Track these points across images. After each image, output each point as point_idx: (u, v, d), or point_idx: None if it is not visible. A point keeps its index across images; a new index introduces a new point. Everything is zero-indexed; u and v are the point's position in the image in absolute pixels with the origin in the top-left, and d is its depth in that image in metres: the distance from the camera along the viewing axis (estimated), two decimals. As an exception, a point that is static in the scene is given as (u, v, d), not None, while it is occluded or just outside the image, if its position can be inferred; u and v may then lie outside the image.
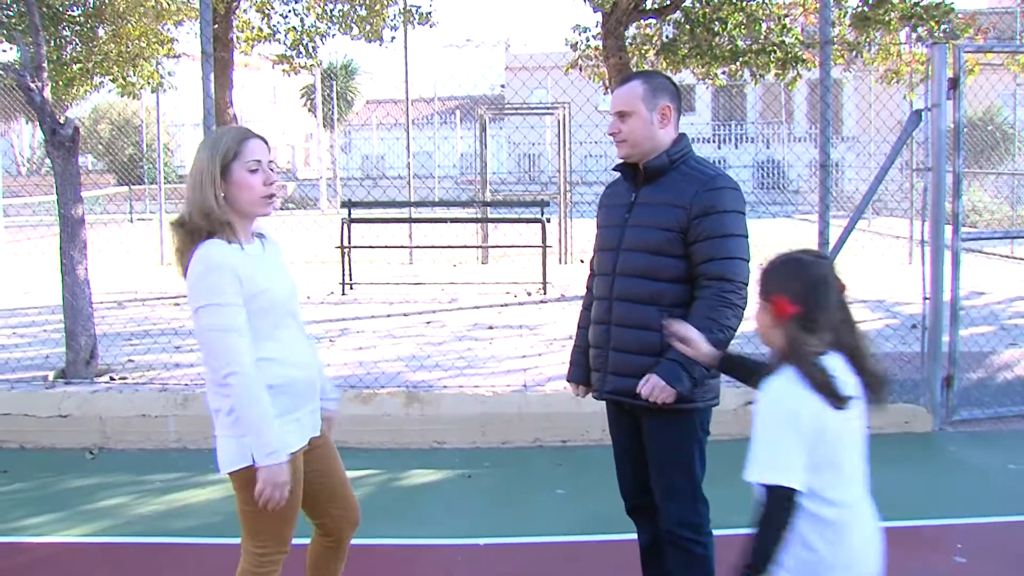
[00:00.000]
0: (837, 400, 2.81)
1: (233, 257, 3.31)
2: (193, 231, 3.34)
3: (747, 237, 3.69)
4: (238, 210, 3.39)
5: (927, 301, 7.36)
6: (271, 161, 3.45)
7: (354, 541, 3.82)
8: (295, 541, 3.50)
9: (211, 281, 3.27)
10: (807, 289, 2.89)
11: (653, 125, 3.74)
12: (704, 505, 3.83)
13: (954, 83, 7.13)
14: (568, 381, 4.12)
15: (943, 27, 11.32)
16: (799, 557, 2.76)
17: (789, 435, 2.71)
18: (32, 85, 7.58)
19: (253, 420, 3.25)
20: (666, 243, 3.66)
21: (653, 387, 3.55)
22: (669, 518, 3.78)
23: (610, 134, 3.85)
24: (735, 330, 3.62)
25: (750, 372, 3.19)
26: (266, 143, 3.46)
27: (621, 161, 3.90)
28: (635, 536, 4.07)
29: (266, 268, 3.43)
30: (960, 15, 11.98)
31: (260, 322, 3.35)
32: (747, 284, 3.59)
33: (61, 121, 7.66)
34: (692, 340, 3.29)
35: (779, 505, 2.69)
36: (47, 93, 7.75)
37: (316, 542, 3.80)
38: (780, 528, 2.70)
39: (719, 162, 36.82)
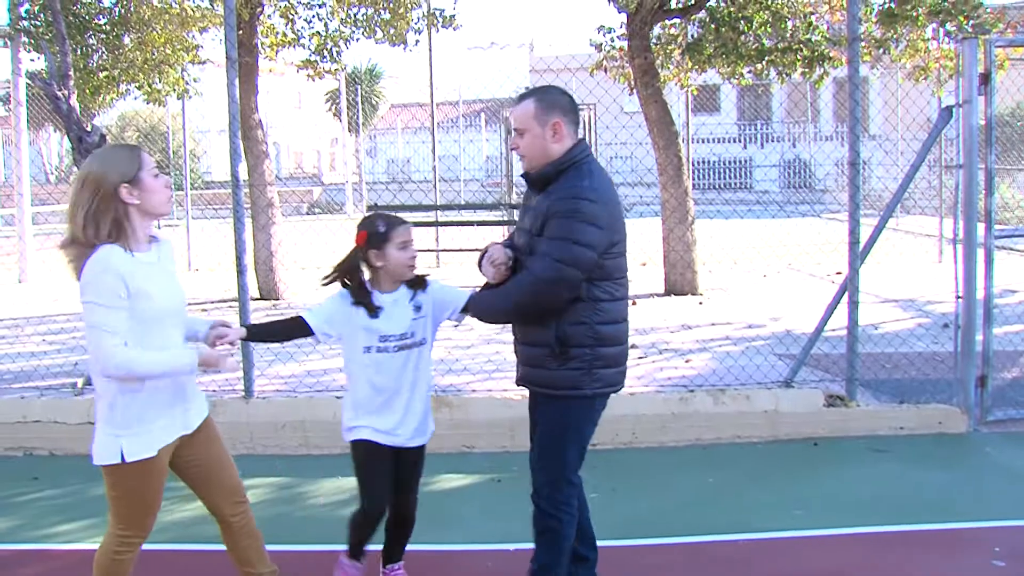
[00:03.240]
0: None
1: (125, 263, 3.62)
2: (92, 243, 3.64)
3: (586, 247, 3.92)
4: (147, 211, 3.75)
5: (960, 300, 7.27)
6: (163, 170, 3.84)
7: (372, 547, 3.86)
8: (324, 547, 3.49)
9: (102, 282, 3.57)
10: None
11: (546, 140, 4.09)
12: (568, 487, 4.25)
13: (985, 78, 7.04)
14: None
15: (971, 22, 11.20)
16: None
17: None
18: (59, 93, 7.61)
19: (164, 372, 3.75)
20: (534, 245, 4.06)
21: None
22: (537, 489, 4.28)
23: (512, 149, 4.37)
24: (525, 308, 4.07)
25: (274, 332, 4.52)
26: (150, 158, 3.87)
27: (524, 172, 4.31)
28: (671, 540, 4.16)
29: (155, 275, 3.76)
30: (989, 9, 11.85)
31: (141, 326, 3.66)
32: (553, 286, 3.95)
33: (88, 129, 7.68)
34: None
35: None
36: (74, 101, 7.78)
37: (219, 526, 4.20)
38: None
39: (746, 162, 36.67)
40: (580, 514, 4.36)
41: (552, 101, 4.12)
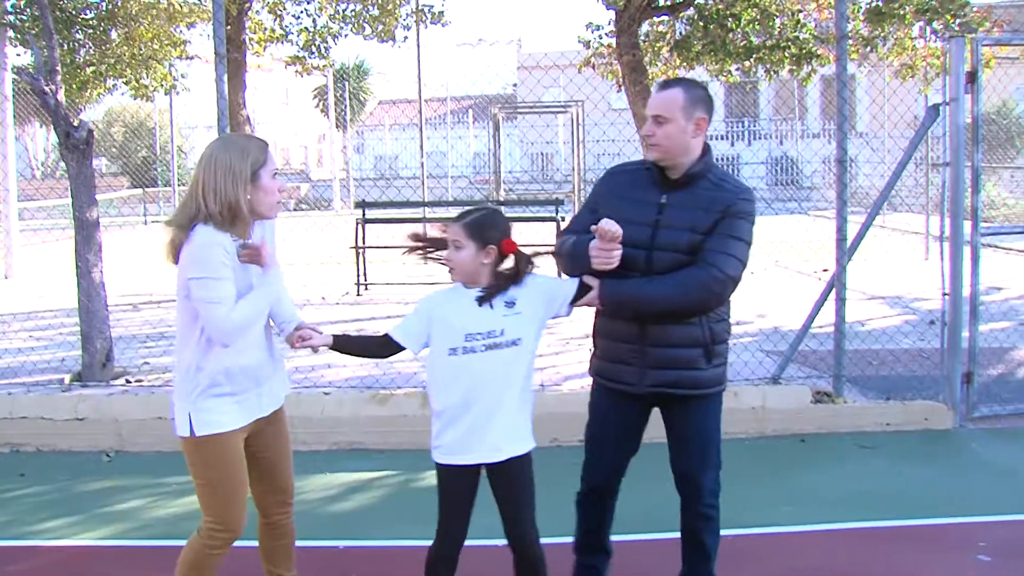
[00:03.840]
0: None
1: (226, 239, 3.58)
2: (195, 218, 3.59)
3: (750, 245, 3.95)
4: (257, 212, 3.69)
5: (946, 297, 7.30)
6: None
7: (372, 543, 3.83)
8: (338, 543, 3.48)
9: (206, 255, 3.54)
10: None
11: (686, 134, 3.91)
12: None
13: (972, 77, 7.07)
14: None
15: (958, 20, 11.24)
16: None
17: None
18: (46, 88, 7.58)
19: (263, 309, 3.72)
20: (697, 244, 3.87)
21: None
22: (704, 488, 4.13)
23: (645, 136, 3.98)
24: (696, 308, 3.91)
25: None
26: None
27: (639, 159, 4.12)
28: (656, 536, 4.16)
29: (245, 266, 3.67)
30: (975, 8, 11.89)
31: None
32: (733, 283, 3.88)
33: (75, 124, 7.66)
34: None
35: None
36: (61, 96, 7.75)
37: (259, 520, 4.09)
38: None
39: (733, 159, 36.75)
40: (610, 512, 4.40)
41: (699, 96, 3.96)
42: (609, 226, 3.72)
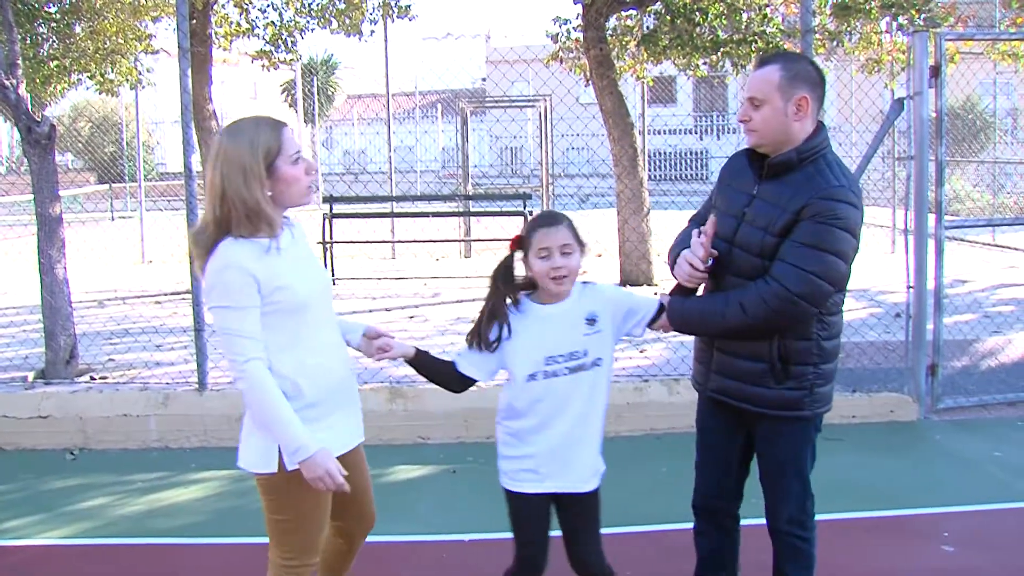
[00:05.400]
0: None
1: (252, 259, 3.15)
2: (218, 232, 3.18)
3: (842, 259, 3.42)
4: (284, 204, 3.27)
5: (911, 290, 7.35)
6: (299, 148, 3.30)
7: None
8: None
9: (228, 281, 3.13)
10: None
11: (787, 117, 3.48)
12: (812, 501, 3.83)
13: (936, 71, 7.12)
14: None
15: (923, 15, 11.33)
16: None
17: None
18: (6, 83, 7.49)
19: (269, 422, 3.15)
20: (771, 248, 3.46)
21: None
22: (780, 518, 3.81)
23: (740, 121, 3.60)
24: (761, 328, 3.49)
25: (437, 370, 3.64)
26: (291, 130, 3.34)
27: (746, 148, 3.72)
28: (629, 529, 4.06)
29: (290, 263, 3.26)
30: (940, 3, 12.00)
31: (280, 321, 3.21)
32: (803, 302, 3.39)
33: (37, 119, 7.58)
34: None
35: None
36: (22, 90, 7.66)
37: (331, 540, 3.70)
38: None
39: (702, 153, 36.84)
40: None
41: (800, 72, 3.48)
42: (697, 249, 3.49)
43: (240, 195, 3.14)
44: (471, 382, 3.59)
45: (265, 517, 3.36)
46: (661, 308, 3.62)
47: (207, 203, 3.23)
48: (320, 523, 3.38)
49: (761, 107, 3.49)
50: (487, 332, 3.51)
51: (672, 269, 3.73)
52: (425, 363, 3.64)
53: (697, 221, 3.83)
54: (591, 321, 3.50)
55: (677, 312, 3.60)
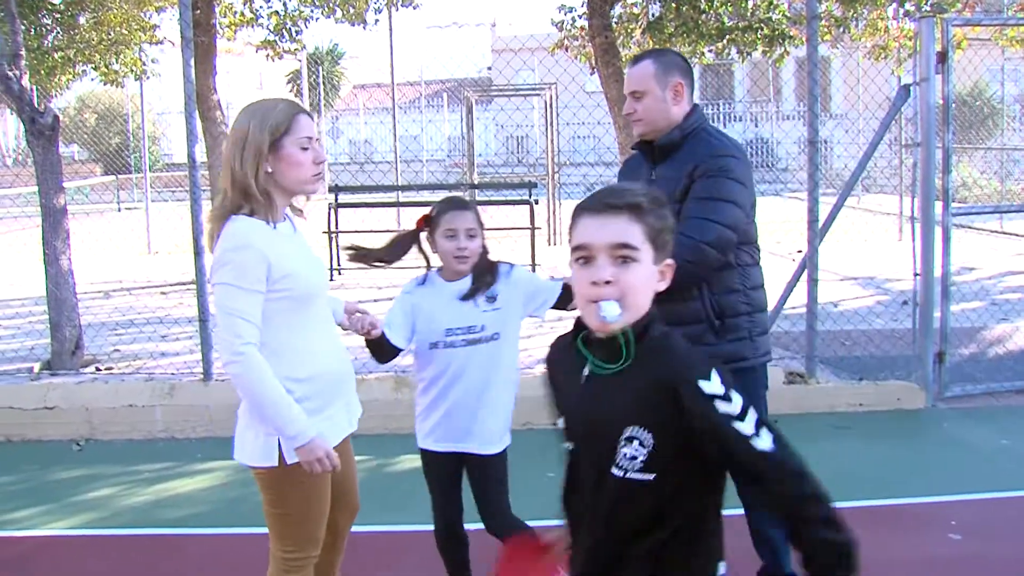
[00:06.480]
0: None
1: (265, 237, 3.13)
2: (229, 209, 3.16)
3: (739, 206, 3.70)
4: (284, 187, 3.23)
5: (918, 277, 7.33)
6: (317, 139, 3.27)
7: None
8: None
9: (237, 260, 3.08)
10: None
11: (667, 103, 3.80)
12: None
13: (942, 57, 7.08)
14: None
15: (930, 1, 11.27)
16: None
17: None
18: (9, 74, 7.48)
19: (266, 407, 3.10)
20: (678, 216, 3.63)
21: None
22: None
23: (625, 115, 3.91)
24: (681, 283, 3.57)
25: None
26: (312, 119, 3.32)
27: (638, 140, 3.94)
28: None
29: (292, 251, 3.23)
30: (947, -11, 11.92)
31: (284, 309, 3.17)
32: (711, 249, 3.63)
33: (41, 110, 7.57)
34: None
35: None
36: (25, 82, 7.66)
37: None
38: None
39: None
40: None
41: (671, 62, 3.84)
42: None
43: (235, 170, 3.15)
44: (396, 351, 3.75)
45: (265, 511, 3.32)
46: (566, 290, 3.78)
47: (222, 178, 3.24)
48: (321, 515, 3.34)
49: (642, 98, 3.82)
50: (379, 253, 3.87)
51: None
52: (381, 343, 3.75)
53: None
54: (491, 299, 3.76)
55: None
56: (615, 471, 2.15)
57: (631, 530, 2.18)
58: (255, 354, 3.07)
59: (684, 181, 3.70)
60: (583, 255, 2.17)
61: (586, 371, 2.24)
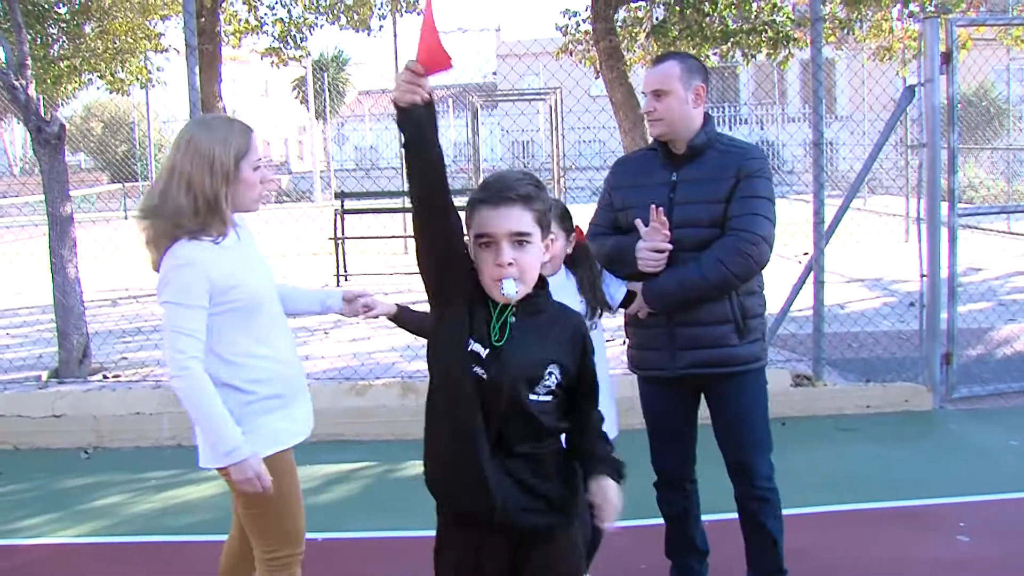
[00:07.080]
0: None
1: (207, 256, 3.18)
2: (178, 222, 3.18)
3: (773, 202, 3.84)
4: (235, 206, 3.28)
5: (924, 278, 7.32)
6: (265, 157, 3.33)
7: (352, 534, 3.76)
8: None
9: (179, 279, 3.15)
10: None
11: (688, 105, 3.84)
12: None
13: (947, 57, 7.07)
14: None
15: (934, 2, 11.26)
16: None
17: None
18: (16, 83, 7.50)
19: (206, 420, 3.20)
20: (721, 215, 3.79)
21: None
22: (759, 475, 4.03)
23: (645, 112, 3.93)
24: (739, 278, 3.77)
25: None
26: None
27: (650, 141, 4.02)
28: (636, 523, 4.10)
29: (236, 262, 3.27)
30: (951, -11, 11.91)
31: (236, 319, 3.23)
32: (765, 244, 3.76)
33: (47, 119, 7.59)
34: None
35: None
36: (31, 91, 7.67)
37: (233, 535, 3.68)
38: None
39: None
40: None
41: (695, 65, 3.90)
42: (654, 224, 3.70)
43: (203, 187, 3.16)
44: (421, 319, 3.62)
45: (241, 514, 3.38)
46: (629, 294, 3.87)
47: (160, 189, 3.24)
48: (298, 509, 3.40)
49: (664, 97, 3.84)
50: None
51: (612, 274, 3.93)
52: (407, 318, 3.72)
53: (604, 227, 4.06)
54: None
55: (654, 291, 3.83)
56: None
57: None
58: (198, 368, 3.17)
59: (731, 182, 3.78)
60: (485, 240, 2.58)
61: None
